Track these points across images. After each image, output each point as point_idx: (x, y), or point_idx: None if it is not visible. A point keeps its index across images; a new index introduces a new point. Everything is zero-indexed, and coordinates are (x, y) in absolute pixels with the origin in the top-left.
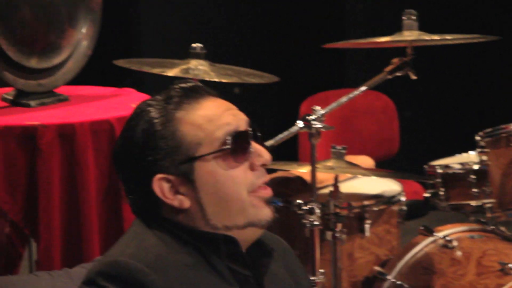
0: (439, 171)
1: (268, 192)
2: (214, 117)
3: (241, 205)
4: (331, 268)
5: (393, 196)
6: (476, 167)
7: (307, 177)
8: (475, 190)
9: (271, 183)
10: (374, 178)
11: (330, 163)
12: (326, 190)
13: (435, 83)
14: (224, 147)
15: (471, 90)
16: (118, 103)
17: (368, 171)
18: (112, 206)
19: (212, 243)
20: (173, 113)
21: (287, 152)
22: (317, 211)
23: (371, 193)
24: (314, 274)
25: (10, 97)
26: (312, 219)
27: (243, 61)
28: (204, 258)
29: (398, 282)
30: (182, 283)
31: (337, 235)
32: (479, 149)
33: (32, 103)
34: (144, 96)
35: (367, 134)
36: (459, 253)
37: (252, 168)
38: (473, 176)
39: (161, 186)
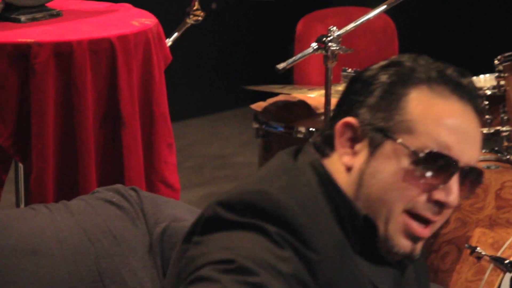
0: None
1: (414, 229)
2: (446, 126)
3: (389, 214)
4: None
5: None
6: (489, 92)
7: (311, 102)
8: (488, 116)
9: (273, 107)
10: None
11: (340, 87)
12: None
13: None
14: (419, 155)
15: (486, 8)
16: (117, 20)
17: None
18: (110, 133)
19: (351, 216)
20: (419, 82)
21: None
22: None
23: None
24: None
25: None
26: None
27: None
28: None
29: None
30: (334, 242)
31: None
32: (496, 74)
33: (23, 18)
34: (143, 12)
35: (365, 55)
36: None
37: (429, 197)
38: (486, 102)
39: (346, 128)
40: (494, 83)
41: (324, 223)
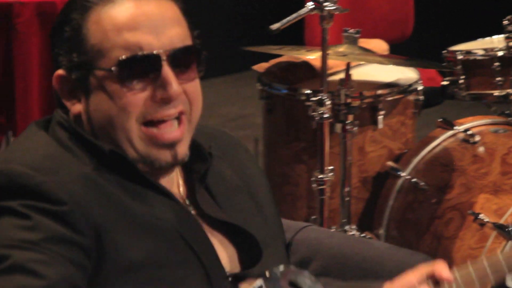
0: (460, 57)
1: (163, 138)
2: (124, 27)
3: (128, 134)
4: (340, 163)
5: (410, 85)
6: (501, 53)
7: (315, 63)
8: (499, 78)
9: (276, 68)
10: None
11: (342, 48)
12: (336, 78)
13: None
14: (119, 67)
15: None
16: None
17: (384, 59)
18: None
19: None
20: (89, 5)
21: (292, 36)
22: (328, 102)
23: (386, 81)
24: (322, 171)
25: None
26: (321, 111)
27: None
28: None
29: (413, 180)
30: (82, 187)
31: (348, 127)
32: (506, 34)
33: None
34: None
35: (379, 14)
36: (481, 149)
37: (152, 98)
38: (497, 64)
39: (60, 82)
40: None
41: (66, 174)
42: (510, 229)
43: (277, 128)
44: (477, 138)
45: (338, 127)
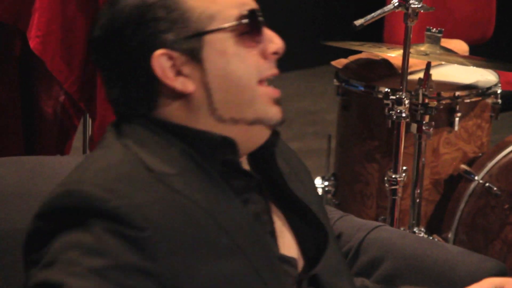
0: None
1: (275, 92)
2: None
3: (252, 94)
4: (413, 164)
5: (489, 88)
6: None
7: (395, 61)
8: None
9: (354, 65)
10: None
11: (423, 47)
12: (414, 77)
13: None
14: (241, 22)
15: None
16: None
17: (465, 60)
18: None
19: (205, 145)
20: None
21: (371, 33)
22: (406, 101)
23: (464, 82)
24: (395, 171)
25: None
26: (399, 110)
27: None
28: (194, 162)
29: (487, 184)
30: (160, 211)
31: (424, 128)
32: None
33: None
34: None
35: (461, 14)
36: None
37: (263, 55)
38: None
39: (161, 63)
40: None
41: (143, 197)
42: None
43: (351, 126)
44: None
45: (414, 127)
